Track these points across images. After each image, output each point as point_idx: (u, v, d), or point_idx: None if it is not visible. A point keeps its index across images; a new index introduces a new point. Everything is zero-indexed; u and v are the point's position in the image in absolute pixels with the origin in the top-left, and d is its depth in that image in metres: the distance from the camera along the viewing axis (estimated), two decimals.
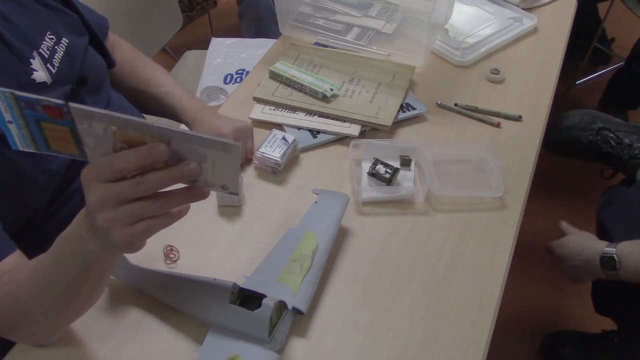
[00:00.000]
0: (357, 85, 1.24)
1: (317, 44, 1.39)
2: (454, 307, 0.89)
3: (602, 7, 2.44)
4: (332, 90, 1.20)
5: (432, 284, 0.92)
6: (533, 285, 1.84)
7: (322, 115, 1.18)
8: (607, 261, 1.14)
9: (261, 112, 1.19)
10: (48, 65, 0.94)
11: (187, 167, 0.58)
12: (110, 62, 1.14)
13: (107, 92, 1.10)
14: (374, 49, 1.36)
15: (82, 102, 1.02)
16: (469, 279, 0.93)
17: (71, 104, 0.55)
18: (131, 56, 1.22)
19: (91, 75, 1.03)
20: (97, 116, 0.56)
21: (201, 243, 0.97)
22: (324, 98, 1.19)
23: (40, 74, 0.92)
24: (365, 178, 1.06)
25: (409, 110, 1.20)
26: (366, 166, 1.07)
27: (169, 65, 2.04)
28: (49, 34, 0.96)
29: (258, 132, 1.15)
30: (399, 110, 1.19)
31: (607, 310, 1.50)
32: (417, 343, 0.84)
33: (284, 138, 1.09)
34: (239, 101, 1.24)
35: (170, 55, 2.60)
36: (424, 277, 0.93)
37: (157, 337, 0.84)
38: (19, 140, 0.58)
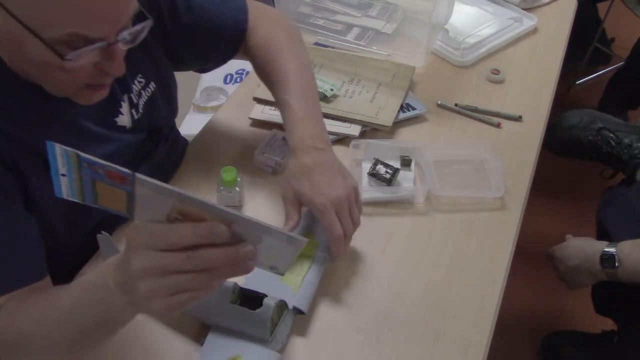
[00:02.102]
0: (357, 86, 1.24)
1: (317, 44, 1.39)
2: (455, 307, 0.89)
3: (602, 7, 2.44)
4: (332, 90, 1.20)
5: (433, 284, 0.92)
6: (533, 285, 1.84)
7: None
8: (607, 259, 1.15)
9: (261, 113, 1.19)
10: (133, 110, 0.92)
11: (243, 250, 0.57)
12: (175, 113, 1.08)
13: (174, 136, 1.08)
14: (374, 49, 1.36)
15: (155, 149, 1.00)
16: (470, 279, 0.93)
17: (138, 176, 0.53)
18: (265, 42, 1.03)
19: (164, 125, 1.01)
20: (163, 190, 0.55)
21: None
22: (324, 98, 1.19)
23: (124, 119, 0.91)
24: (365, 178, 1.06)
25: (409, 111, 1.20)
26: (366, 166, 1.07)
27: None
28: (140, 77, 0.93)
29: (258, 133, 1.15)
30: (399, 111, 1.19)
31: (607, 310, 1.50)
32: (418, 343, 0.84)
33: (284, 138, 1.09)
34: (239, 101, 1.24)
35: None
36: (424, 278, 0.93)
37: (158, 337, 0.84)
38: (66, 190, 0.55)
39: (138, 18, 0.75)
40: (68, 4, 0.65)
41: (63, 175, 0.54)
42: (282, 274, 0.61)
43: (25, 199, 0.79)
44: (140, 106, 0.94)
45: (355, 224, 0.90)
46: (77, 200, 0.56)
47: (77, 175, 0.54)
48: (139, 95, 0.93)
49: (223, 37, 1.02)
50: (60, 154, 0.53)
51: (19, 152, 0.76)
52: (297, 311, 0.85)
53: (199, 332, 0.84)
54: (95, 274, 0.65)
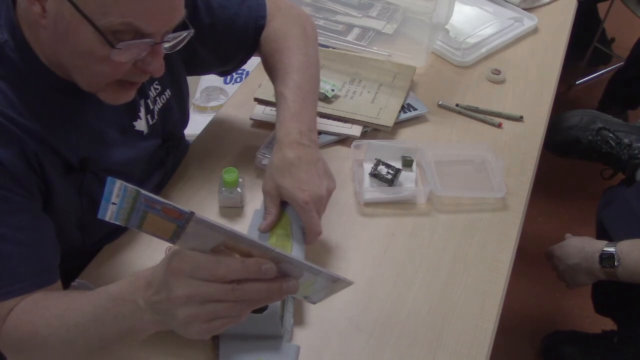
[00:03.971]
0: (359, 86, 1.24)
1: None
2: (457, 308, 0.89)
3: (602, 7, 2.44)
4: (333, 90, 1.20)
5: (435, 284, 0.92)
6: (533, 285, 1.84)
7: (323, 116, 1.17)
8: (606, 259, 1.15)
9: (262, 113, 1.19)
10: (148, 115, 0.93)
11: (286, 284, 0.59)
12: (187, 121, 1.08)
13: (182, 143, 1.09)
14: (374, 49, 1.36)
15: (166, 157, 0.99)
16: (472, 279, 0.93)
17: (197, 215, 0.54)
18: (275, 36, 1.02)
19: (176, 132, 1.02)
20: (217, 229, 0.55)
21: None
22: (326, 99, 1.19)
23: (141, 123, 0.91)
24: (367, 179, 1.06)
25: (410, 111, 1.20)
26: (368, 167, 1.07)
27: None
28: (156, 84, 0.94)
29: (259, 133, 1.15)
30: (400, 111, 1.19)
31: (607, 310, 1.51)
32: (420, 344, 0.84)
33: None
34: (240, 102, 1.24)
35: None
36: (426, 278, 0.93)
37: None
38: (111, 214, 0.55)
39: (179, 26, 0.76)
40: None
41: (114, 203, 0.55)
42: (314, 303, 0.65)
43: (45, 200, 0.79)
44: (155, 112, 0.94)
45: None
46: (119, 224, 0.56)
47: (128, 206, 0.55)
48: (155, 101, 0.94)
49: (245, 35, 1.02)
50: (119, 187, 0.54)
51: (44, 153, 0.76)
52: None
53: (208, 346, 0.82)
54: (121, 288, 0.66)
